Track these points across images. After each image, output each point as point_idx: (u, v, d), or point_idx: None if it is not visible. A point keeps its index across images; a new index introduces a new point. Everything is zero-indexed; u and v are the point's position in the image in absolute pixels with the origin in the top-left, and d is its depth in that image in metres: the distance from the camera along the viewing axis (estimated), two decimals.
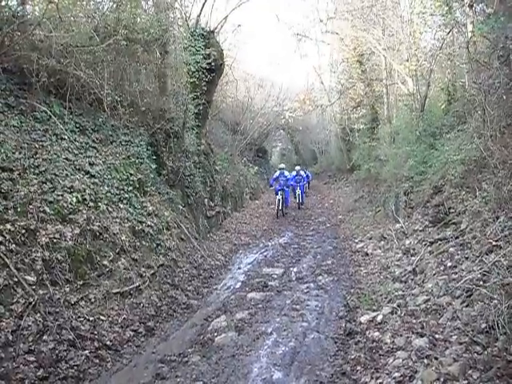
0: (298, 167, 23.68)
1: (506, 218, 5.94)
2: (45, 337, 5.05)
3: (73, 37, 7.78)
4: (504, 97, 6.92)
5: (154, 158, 10.15)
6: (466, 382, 3.75)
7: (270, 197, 22.84)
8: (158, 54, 10.63)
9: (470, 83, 9.27)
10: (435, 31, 13.07)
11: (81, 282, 6.11)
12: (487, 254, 5.65)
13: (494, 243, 5.70)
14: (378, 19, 15.17)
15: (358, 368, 4.86)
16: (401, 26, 13.68)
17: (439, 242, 7.45)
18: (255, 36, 46.53)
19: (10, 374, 4.41)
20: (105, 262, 6.76)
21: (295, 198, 21.08)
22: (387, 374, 4.45)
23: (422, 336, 4.85)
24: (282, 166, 20.50)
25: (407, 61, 12.93)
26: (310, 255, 10.99)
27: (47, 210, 6.14)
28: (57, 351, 5.02)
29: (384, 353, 4.94)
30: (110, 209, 7.55)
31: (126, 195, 8.24)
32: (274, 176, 19.81)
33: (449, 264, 6.41)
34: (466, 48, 8.14)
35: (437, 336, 4.71)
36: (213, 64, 13.82)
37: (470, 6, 8.54)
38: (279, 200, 17.94)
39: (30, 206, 5.90)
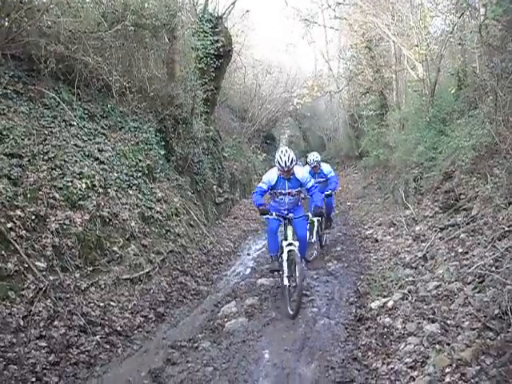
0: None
1: None
2: (56, 322, 5.09)
3: (81, 23, 7.75)
4: None
5: (163, 144, 10.11)
6: (479, 367, 3.71)
7: None
8: (166, 39, 10.56)
9: (482, 68, 9.11)
10: (446, 15, 12.89)
11: (91, 268, 6.15)
12: (499, 240, 5.58)
13: (506, 229, 5.63)
14: (388, 4, 14.96)
15: (369, 354, 4.84)
16: (411, 11, 13.48)
17: (450, 228, 7.38)
18: (263, 22, 46.11)
19: (22, 359, 4.44)
20: (114, 248, 6.78)
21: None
22: (398, 359, 4.43)
23: (433, 322, 4.81)
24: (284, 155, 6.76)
25: (417, 46, 12.74)
26: None
27: (57, 196, 6.16)
28: (68, 337, 5.05)
29: (395, 338, 4.92)
30: (120, 195, 7.56)
31: (135, 181, 8.24)
32: (263, 183, 6.81)
33: (460, 250, 6.35)
34: (479, 32, 7.97)
35: (448, 322, 4.67)
36: (221, 50, 13.74)
37: None
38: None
39: (40, 193, 5.92)
